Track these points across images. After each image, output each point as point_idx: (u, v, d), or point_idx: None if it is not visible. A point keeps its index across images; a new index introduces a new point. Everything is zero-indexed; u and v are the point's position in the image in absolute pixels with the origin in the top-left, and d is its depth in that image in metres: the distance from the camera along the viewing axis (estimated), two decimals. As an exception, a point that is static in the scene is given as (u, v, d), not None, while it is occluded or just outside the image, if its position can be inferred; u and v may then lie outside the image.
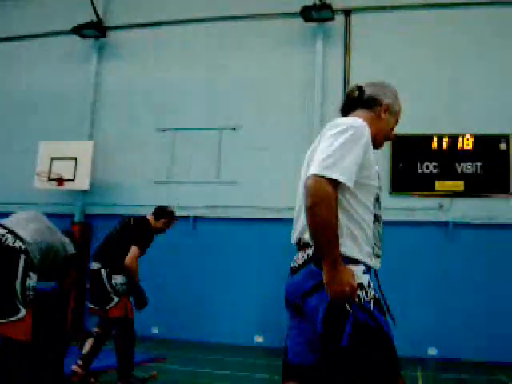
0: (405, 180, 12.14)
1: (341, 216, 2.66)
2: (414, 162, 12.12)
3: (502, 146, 11.88)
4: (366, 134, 2.79)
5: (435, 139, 12.03)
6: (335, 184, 2.58)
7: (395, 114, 3.22)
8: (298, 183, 2.99)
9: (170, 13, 14.05)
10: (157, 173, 13.40)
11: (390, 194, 12.12)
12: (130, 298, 6.77)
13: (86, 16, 14.03)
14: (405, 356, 11.05)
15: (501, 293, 11.16)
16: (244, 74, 13.39)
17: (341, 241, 2.60)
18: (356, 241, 2.70)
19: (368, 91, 3.17)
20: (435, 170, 11.97)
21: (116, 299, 6.56)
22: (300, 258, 2.79)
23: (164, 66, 13.92)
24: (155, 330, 12.56)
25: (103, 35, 14.34)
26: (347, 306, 2.54)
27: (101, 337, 6.68)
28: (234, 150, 13.09)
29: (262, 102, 13.19)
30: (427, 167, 12.01)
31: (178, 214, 12.74)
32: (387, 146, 12.28)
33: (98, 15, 14.07)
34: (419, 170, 12.06)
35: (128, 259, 6.54)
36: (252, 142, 13.02)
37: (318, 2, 12.57)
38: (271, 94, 13.17)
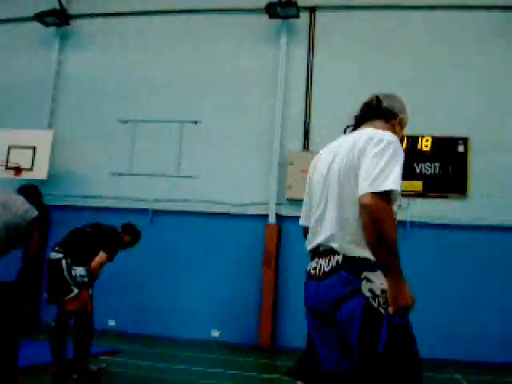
0: (365, 179, 12.20)
1: None
2: (373, 162, 12.20)
3: (460, 148, 12.07)
4: (401, 148, 2.85)
5: (395, 139, 12.12)
6: (389, 199, 2.66)
7: (404, 127, 3.29)
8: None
9: (133, 4, 13.92)
10: (117, 164, 13.26)
11: (350, 192, 12.22)
12: (90, 291, 6.73)
13: (48, 3, 13.79)
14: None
15: (456, 292, 11.34)
16: (207, 68, 13.35)
17: None
18: None
19: (384, 103, 3.20)
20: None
21: (76, 291, 6.51)
22: (324, 264, 2.84)
23: (127, 56, 13.79)
24: (112, 323, 12.46)
25: (66, 23, 14.11)
26: (381, 310, 2.64)
27: (59, 328, 6.62)
28: (195, 143, 13.04)
29: (224, 96, 13.16)
30: (386, 167, 12.11)
31: (136, 206, 12.77)
32: (348, 145, 12.34)
33: (61, 3, 13.84)
34: (379, 170, 12.15)
35: (95, 263, 6.56)
36: (213, 136, 12.99)
37: (283, -1, 12.61)
38: (234, 88, 13.16)
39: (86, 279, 6.59)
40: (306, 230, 3.11)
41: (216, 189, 12.75)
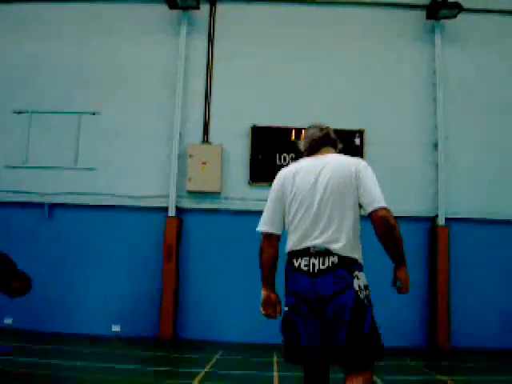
0: (264, 171, 12.39)
1: (358, 234, 3.70)
2: (272, 154, 12.41)
3: (357, 141, 12.42)
4: None
5: (293, 132, 12.38)
6: None
7: None
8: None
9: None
10: (13, 157, 12.80)
11: (249, 184, 12.37)
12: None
13: None
14: (264, 343, 11.35)
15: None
16: (107, 59, 13.08)
17: (359, 252, 3.68)
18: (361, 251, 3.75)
19: (332, 134, 4.15)
20: (292, 162, 12.28)
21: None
22: (318, 263, 3.56)
23: (23, 45, 13.23)
24: (8, 321, 12.08)
25: (-42, 9, 13.50)
26: (366, 301, 3.54)
27: None
28: (93, 135, 12.77)
29: (123, 87, 12.94)
30: (285, 159, 12.34)
31: (33, 200, 12.43)
32: (247, 137, 12.49)
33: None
34: (278, 162, 12.36)
35: None
36: (112, 128, 12.75)
37: (183, -11, 12.54)
38: (133, 80, 12.96)
39: None
40: (268, 236, 3.86)
41: (115, 181, 12.57)
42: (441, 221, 12.29)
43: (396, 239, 3.60)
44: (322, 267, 3.54)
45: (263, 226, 3.89)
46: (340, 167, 3.76)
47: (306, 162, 3.93)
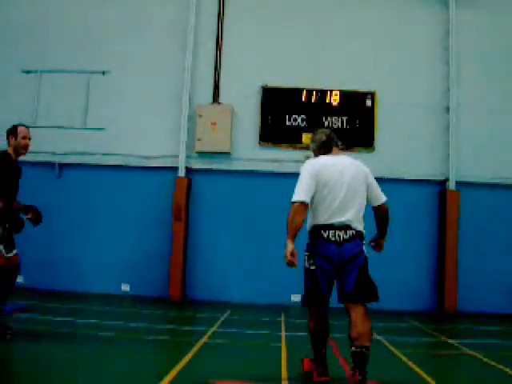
0: (273, 131, 12.33)
1: (363, 214, 4.97)
2: (282, 114, 12.32)
3: (368, 103, 12.32)
4: None
5: (304, 93, 12.28)
6: None
7: None
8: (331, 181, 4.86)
9: None
10: (22, 116, 12.70)
11: (259, 144, 12.32)
12: (1, 247, 6.44)
13: None
14: (271, 303, 11.43)
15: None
16: (116, 18, 12.94)
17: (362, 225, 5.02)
18: None
19: (335, 137, 5.21)
20: (303, 123, 12.24)
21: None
22: (342, 234, 4.82)
23: (32, 4, 13.11)
24: (20, 280, 12.16)
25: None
26: (367, 259, 4.90)
27: None
28: (102, 95, 12.71)
29: (133, 47, 12.82)
30: (295, 120, 12.25)
31: (43, 159, 12.40)
32: (257, 98, 12.41)
33: None
34: (287, 123, 12.28)
35: None
36: (122, 87, 12.69)
37: None
38: (143, 39, 12.83)
39: None
40: (304, 204, 4.83)
41: (125, 141, 12.55)
42: (451, 185, 12.22)
43: (388, 223, 5.23)
44: (345, 237, 4.83)
45: (303, 197, 4.83)
46: (356, 169, 5.01)
47: (330, 159, 5.04)
